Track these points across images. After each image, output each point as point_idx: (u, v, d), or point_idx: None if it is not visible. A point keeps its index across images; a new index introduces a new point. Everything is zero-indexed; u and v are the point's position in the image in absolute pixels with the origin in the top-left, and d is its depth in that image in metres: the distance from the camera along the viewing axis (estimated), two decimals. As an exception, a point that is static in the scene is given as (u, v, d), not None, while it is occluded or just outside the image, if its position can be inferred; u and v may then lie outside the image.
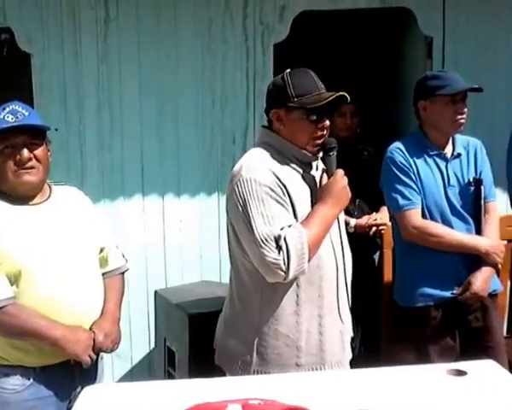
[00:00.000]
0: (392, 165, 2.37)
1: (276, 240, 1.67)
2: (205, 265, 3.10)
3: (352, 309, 2.46)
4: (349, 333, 1.95)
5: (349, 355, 1.98)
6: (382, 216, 2.98)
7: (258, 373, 1.82)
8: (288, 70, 1.84)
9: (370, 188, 2.60)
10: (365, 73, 4.25)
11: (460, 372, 1.43)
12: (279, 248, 1.67)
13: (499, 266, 2.39)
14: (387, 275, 2.79)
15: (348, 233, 2.97)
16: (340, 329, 1.90)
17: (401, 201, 2.35)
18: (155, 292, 2.98)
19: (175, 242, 3.10)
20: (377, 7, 3.06)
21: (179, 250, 3.11)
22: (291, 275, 1.69)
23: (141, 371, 3.14)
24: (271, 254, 1.67)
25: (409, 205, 2.34)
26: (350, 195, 1.84)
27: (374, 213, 3.06)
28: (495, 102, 3.14)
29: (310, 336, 1.82)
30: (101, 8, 2.91)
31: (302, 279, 1.78)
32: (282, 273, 1.68)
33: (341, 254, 1.87)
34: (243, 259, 1.81)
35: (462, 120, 2.32)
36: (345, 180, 1.82)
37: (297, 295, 1.79)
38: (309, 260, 1.73)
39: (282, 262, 1.67)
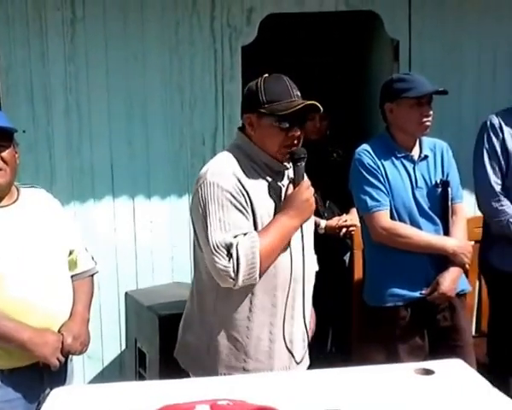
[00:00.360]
0: (360, 167, 2.39)
1: (228, 247, 1.68)
2: (176, 266, 3.10)
3: (323, 310, 2.50)
4: (302, 342, 1.94)
5: (305, 363, 1.99)
6: (352, 217, 3.01)
7: (210, 371, 1.83)
8: (266, 75, 1.83)
9: (340, 189, 2.63)
10: (334, 75, 4.30)
11: (428, 371, 1.45)
12: (230, 255, 1.68)
13: (467, 266, 2.43)
14: (358, 276, 2.82)
15: (318, 235, 3.04)
16: (294, 338, 1.89)
17: (370, 202, 2.37)
18: (126, 293, 2.97)
19: (146, 243, 3.10)
20: (344, 10, 3.09)
21: (150, 252, 3.10)
22: (240, 283, 1.70)
23: (112, 373, 3.13)
24: (222, 261, 1.68)
25: (377, 206, 2.36)
26: (314, 207, 1.82)
27: (344, 215, 3.09)
28: (462, 105, 3.20)
29: (259, 342, 1.83)
30: (67, 9, 2.88)
31: (257, 287, 1.78)
32: (231, 280, 1.69)
33: (301, 264, 1.85)
34: (203, 259, 1.80)
35: (428, 123, 2.35)
36: (309, 192, 1.80)
37: (251, 302, 1.80)
38: (262, 270, 1.73)
39: (231, 270, 1.68)
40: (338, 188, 2.77)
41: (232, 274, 1.68)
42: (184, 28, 2.98)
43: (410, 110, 2.33)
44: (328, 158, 3.22)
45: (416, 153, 2.42)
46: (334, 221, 3.07)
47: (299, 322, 1.90)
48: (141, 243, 3.09)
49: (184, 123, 3.06)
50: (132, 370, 2.88)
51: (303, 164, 1.81)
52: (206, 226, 1.71)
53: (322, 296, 2.60)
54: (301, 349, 1.94)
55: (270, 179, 1.83)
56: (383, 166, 2.38)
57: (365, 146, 2.43)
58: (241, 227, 1.72)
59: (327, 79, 4.27)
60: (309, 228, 1.92)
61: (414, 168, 2.40)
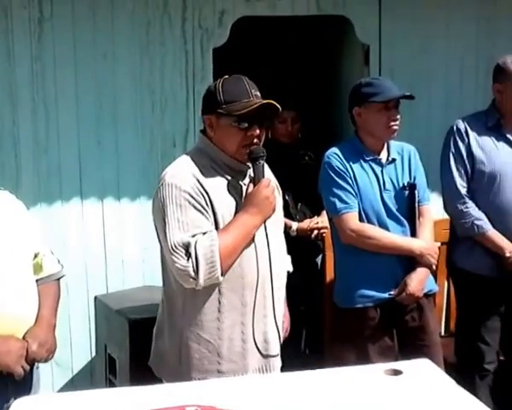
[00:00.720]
0: (329, 169, 2.41)
1: (187, 247, 1.68)
2: (147, 269, 3.06)
3: (297, 311, 2.51)
4: (276, 342, 1.94)
5: (278, 363, 1.98)
6: (324, 220, 3.03)
7: (183, 377, 1.81)
8: (225, 76, 1.85)
9: (312, 192, 2.65)
10: (306, 79, 4.33)
11: (396, 372, 1.46)
12: (189, 255, 1.68)
13: (433, 266, 2.48)
14: (329, 277, 2.84)
15: (291, 237, 3.05)
16: (267, 337, 1.89)
17: (338, 204, 2.39)
18: (95, 298, 2.92)
19: (116, 246, 3.05)
20: (315, 14, 3.11)
21: (120, 255, 3.06)
22: (201, 282, 1.70)
23: (82, 380, 3.06)
24: (180, 260, 1.69)
25: (346, 208, 2.38)
26: (274, 204, 1.83)
27: (315, 217, 3.11)
28: (430, 110, 3.25)
29: (232, 343, 1.82)
30: (34, 7, 2.83)
31: (224, 286, 1.79)
32: (192, 280, 1.70)
33: (268, 263, 1.85)
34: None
35: (396, 127, 2.39)
36: (269, 190, 1.81)
37: (219, 302, 1.80)
38: (224, 268, 1.73)
39: (190, 269, 1.68)
40: (310, 190, 2.78)
41: (192, 273, 1.69)
42: (155, 28, 2.96)
43: (377, 114, 2.36)
44: (300, 161, 3.24)
45: (384, 156, 2.46)
46: (306, 223, 3.08)
47: (272, 321, 1.89)
48: (111, 246, 3.05)
49: (155, 124, 3.03)
50: (102, 377, 2.84)
51: (262, 162, 1.82)
52: (165, 227, 1.72)
53: (296, 298, 2.61)
54: (276, 349, 1.94)
55: (231, 179, 1.84)
56: (352, 168, 2.41)
57: (334, 149, 2.46)
58: (200, 227, 1.72)
59: (299, 82, 4.31)
60: (276, 227, 1.92)
61: (382, 171, 2.43)
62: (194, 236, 1.70)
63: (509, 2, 3.24)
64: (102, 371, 2.83)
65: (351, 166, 2.40)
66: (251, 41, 4.26)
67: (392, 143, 2.49)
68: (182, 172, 1.78)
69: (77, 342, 3.04)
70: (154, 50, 2.97)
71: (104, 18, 2.91)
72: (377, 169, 2.43)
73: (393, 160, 2.46)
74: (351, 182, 2.39)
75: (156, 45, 2.97)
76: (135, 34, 2.95)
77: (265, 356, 1.89)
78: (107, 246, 3.04)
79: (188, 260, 1.68)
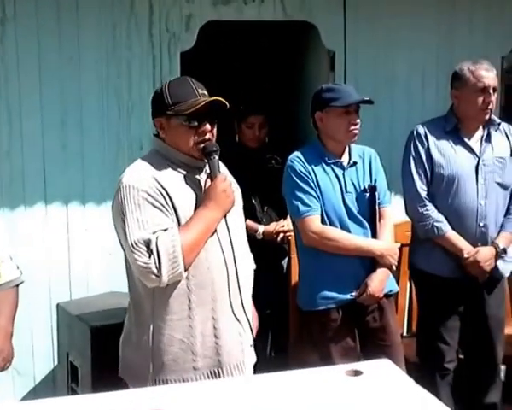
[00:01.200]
0: (292, 173, 2.45)
1: (148, 244, 1.69)
2: (113, 275, 3.03)
3: (263, 314, 2.52)
4: (248, 335, 1.97)
5: (252, 358, 2.01)
6: (289, 223, 3.05)
7: (156, 381, 1.81)
8: (170, 79, 1.92)
9: (278, 195, 2.67)
10: (274, 83, 4.37)
11: (356, 372, 1.49)
12: (150, 252, 1.69)
13: (393, 267, 2.52)
14: (294, 280, 2.87)
15: (257, 240, 3.08)
16: (239, 331, 1.92)
17: (301, 207, 2.42)
18: (57, 305, 2.87)
19: (80, 252, 3.02)
20: (282, 20, 3.15)
21: (85, 261, 3.02)
22: (165, 279, 1.70)
23: (45, 389, 3.00)
24: (142, 258, 1.69)
25: (308, 211, 2.42)
26: (232, 197, 1.86)
27: (281, 220, 3.13)
28: (393, 114, 3.31)
29: (205, 339, 1.84)
30: (-5, 5, 2.79)
31: (193, 283, 1.80)
32: (155, 277, 1.70)
33: (233, 260, 1.87)
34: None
35: (356, 131, 2.44)
36: (226, 183, 1.84)
37: (189, 299, 1.81)
38: (187, 264, 1.75)
39: (153, 266, 1.69)
40: (276, 194, 2.80)
41: (155, 270, 1.69)
42: (122, 32, 2.95)
43: (338, 119, 2.41)
44: (267, 165, 3.26)
45: (345, 159, 2.50)
46: (272, 226, 3.11)
47: (242, 314, 1.91)
48: (75, 252, 3.01)
49: (122, 128, 3.02)
50: (64, 385, 2.79)
51: (216, 157, 1.85)
52: (125, 228, 1.73)
53: (261, 301, 2.63)
54: (249, 341, 1.96)
55: (189, 176, 1.87)
56: (314, 172, 2.44)
57: (297, 153, 2.50)
58: (159, 224, 1.74)
59: (267, 87, 4.35)
60: (237, 222, 1.95)
61: (343, 174, 2.47)
62: (154, 233, 1.71)
63: (468, 11, 3.33)
64: (64, 380, 2.78)
65: (313, 169, 2.44)
66: (219, 45, 4.30)
67: (354, 146, 2.54)
68: (139, 173, 1.81)
69: (39, 351, 2.99)
70: (120, 54, 2.96)
71: (69, 20, 2.88)
72: (339, 172, 2.47)
73: (355, 163, 2.50)
74: (313, 185, 2.43)
75: (123, 49, 2.96)
76: (101, 37, 2.93)
77: (240, 350, 1.91)
78: (71, 252, 3.00)
79: (149, 257, 1.69)
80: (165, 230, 1.73)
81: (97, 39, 2.94)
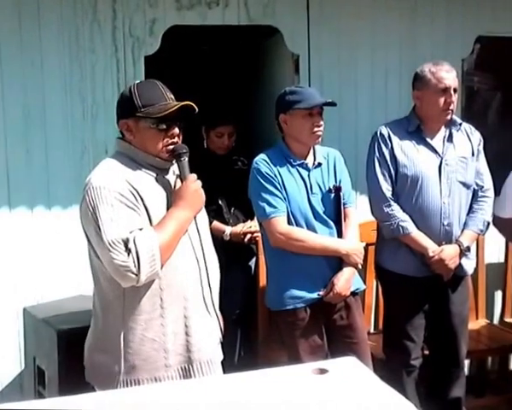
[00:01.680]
0: (257, 175, 2.48)
1: (125, 243, 1.69)
2: (83, 278, 3.01)
3: (232, 315, 2.54)
4: (217, 333, 2.00)
5: (220, 355, 2.03)
6: (257, 224, 3.08)
7: (127, 382, 1.82)
8: (137, 81, 1.92)
9: (245, 197, 2.69)
10: (240, 87, 4.40)
11: (322, 371, 1.51)
12: (128, 250, 1.69)
13: (359, 266, 2.56)
14: (262, 280, 2.90)
15: (224, 241, 3.09)
16: (210, 328, 1.94)
17: (267, 209, 2.45)
18: (24, 309, 2.85)
19: (48, 256, 2.98)
20: (246, 24, 3.16)
21: (53, 264, 2.99)
22: (143, 277, 1.70)
23: (12, 393, 2.96)
24: (120, 256, 1.69)
25: (275, 212, 2.45)
26: (203, 197, 1.89)
27: (248, 221, 3.15)
28: (358, 116, 3.35)
29: (176, 337, 1.85)
30: (-47, 9, 2.75)
31: (164, 282, 1.81)
32: (133, 276, 1.70)
33: (203, 258, 1.90)
34: (102, 267, 1.80)
35: (320, 132, 2.47)
36: (197, 184, 1.87)
37: (161, 299, 1.82)
38: (163, 263, 1.76)
39: (131, 265, 1.68)
40: (243, 195, 2.82)
41: (134, 269, 1.68)
42: (85, 36, 2.93)
43: (301, 121, 2.45)
44: (233, 167, 3.28)
45: (310, 161, 2.54)
46: (239, 228, 3.13)
47: (213, 312, 1.94)
48: (42, 255, 2.97)
49: (86, 132, 3.00)
50: (32, 389, 2.77)
51: (186, 159, 1.87)
52: (99, 228, 1.71)
53: (231, 301, 2.65)
54: (218, 339, 1.99)
55: (158, 178, 1.88)
56: (279, 173, 2.47)
57: (262, 155, 2.53)
58: (134, 224, 1.74)
59: (233, 90, 4.37)
60: (203, 224, 1.98)
61: (309, 175, 2.51)
62: (131, 232, 1.71)
63: (429, 14, 3.39)
64: (32, 384, 2.76)
65: (278, 171, 2.47)
66: (186, 49, 4.30)
67: (318, 148, 2.58)
68: (108, 174, 1.80)
69: (6, 355, 2.95)
70: (84, 58, 2.94)
71: (31, 25, 2.85)
72: (304, 173, 2.51)
73: (319, 164, 2.54)
74: (279, 186, 2.46)
75: (86, 53, 2.94)
76: (64, 41, 2.90)
77: (210, 347, 1.93)
78: (38, 255, 2.97)
79: (128, 255, 1.68)
80: (140, 229, 1.73)
81: (60, 44, 2.91)
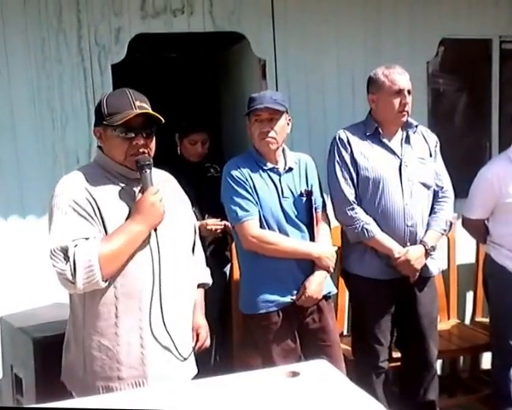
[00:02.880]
0: (229, 179, 2.49)
1: (66, 251, 1.73)
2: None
3: (207, 320, 2.53)
4: (182, 349, 1.94)
5: (187, 371, 1.98)
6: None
7: (86, 386, 1.83)
8: (111, 91, 1.94)
9: (218, 203, 2.70)
10: (210, 94, 4.41)
11: (294, 373, 1.53)
12: (67, 258, 1.73)
13: (331, 269, 2.57)
14: (237, 286, 2.91)
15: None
16: (168, 344, 1.89)
17: (240, 212, 2.46)
18: (1, 318, 2.84)
19: (23, 264, 2.96)
20: (211, 31, 3.18)
21: (29, 273, 2.96)
22: (80, 286, 1.73)
23: (-10, 402, 2.95)
24: (59, 264, 1.74)
25: (247, 216, 2.46)
26: (160, 211, 1.86)
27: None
28: (326, 121, 3.36)
29: (130, 348, 1.85)
30: None
31: (120, 292, 1.82)
32: (70, 284, 1.74)
33: (158, 269, 1.86)
34: None
35: (268, 139, 2.46)
36: (156, 197, 1.85)
37: (116, 307, 1.83)
38: (106, 274, 1.75)
39: (68, 273, 1.72)
40: (216, 202, 2.83)
41: (70, 277, 1.72)
42: (51, 46, 2.92)
43: (252, 127, 2.51)
44: (205, 174, 3.29)
45: (281, 165, 2.55)
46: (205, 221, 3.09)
47: (175, 326, 1.90)
48: (18, 264, 2.95)
49: (56, 141, 2.99)
50: (10, 397, 2.77)
51: (149, 171, 1.87)
52: (50, 233, 1.78)
53: (206, 307, 2.64)
54: (181, 354, 1.93)
55: (126, 188, 1.89)
56: (251, 177, 2.49)
57: (234, 160, 2.55)
58: (82, 233, 1.76)
59: (203, 98, 4.38)
60: (175, 236, 1.94)
61: (280, 180, 2.52)
62: (74, 241, 1.74)
63: (393, 18, 3.45)
64: (10, 392, 2.76)
65: (250, 175, 2.49)
66: (154, 56, 4.30)
67: (289, 153, 2.60)
68: (70, 183, 1.85)
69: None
70: (50, 68, 2.93)
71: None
72: (275, 178, 2.52)
73: (290, 169, 2.55)
74: (250, 190, 2.47)
75: (53, 63, 2.93)
76: (30, 51, 2.89)
77: (168, 363, 1.90)
78: (13, 265, 2.95)
79: (66, 263, 1.72)
80: (86, 239, 1.76)
81: (26, 54, 2.89)
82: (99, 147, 1.95)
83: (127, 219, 1.83)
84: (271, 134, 2.46)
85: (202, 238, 3.10)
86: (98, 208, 1.80)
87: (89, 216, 1.78)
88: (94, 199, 1.80)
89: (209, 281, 2.19)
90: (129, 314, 1.83)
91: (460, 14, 3.54)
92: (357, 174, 2.67)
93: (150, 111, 1.85)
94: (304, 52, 3.32)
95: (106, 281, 1.77)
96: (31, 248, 2.97)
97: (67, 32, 2.94)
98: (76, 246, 1.73)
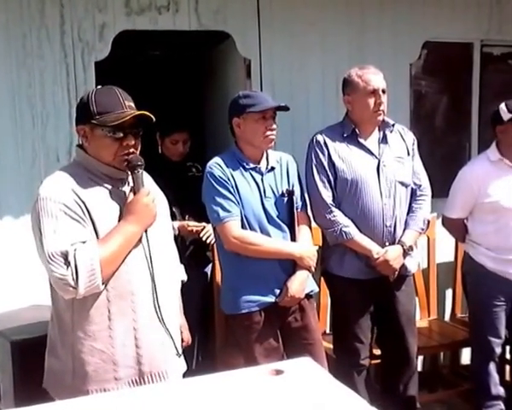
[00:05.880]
0: (211, 179, 2.47)
1: (65, 256, 1.68)
2: (35, 288, 2.94)
3: (189, 321, 2.52)
4: (174, 345, 1.96)
5: (179, 367, 2.00)
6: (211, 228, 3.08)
7: (77, 392, 1.79)
8: (98, 87, 1.88)
9: (199, 203, 2.69)
10: (194, 92, 4.40)
11: (278, 372, 1.53)
12: (68, 263, 1.68)
13: (313, 268, 2.57)
14: (218, 286, 2.90)
15: (183, 248, 3.08)
16: (162, 341, 1.91)
17: (221, 213, 2.45)
18: (-23, 321, 2.78)
19: (0, 265, 2.91)
20: (196, 29, 3.16)
21: (5, 274, 2.92)
22: (82, 291, 1.70)
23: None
24: (59, 269, 1.68)
25: (229, 216, 2.44)
26: (154, 212, 1.86)
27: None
28: (310, 120, 3.38)
29: (126, 349, 1.83)
30: None
31: (112, 294, 1.80)
32: (72, 289, 1.69)
33: (151, 271, 1.87)
34: None
35: (272, 136, 2.48)
36: (149, 198, 1.84)
37: (108, 310, 1.80)
38: (105, 277, 1.74)
39: (70, 278, 1.68)
40: (197, 202, 2.83)
41: (72, 282, 1.68)
42: (32, 41, 2.88)
43: (255, 124, 2.46)
44: (187, 173, 3.27)
45: (263, 165, 2.55)
46: (186, 223, 3.08)
47: (169, 323, 1.91)
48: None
49: (36, 139, 2.95)
50: (-12, 402, 2.71)
51: (141, 171, 1.85)
52: (42, 239, 1.70)
53: (187, 308, 2.63)
54: (172, 351, 1.94)
55: (113, 190, 1.85)
56: (233, 177, 2.47)
57: (216, 159, 2.52)
58: (77, 236, 1.72)
59: (187, 96, 4.37)
60: (162, 236, 1.95)
61: (262, 179, 2.52)
62: (72, 245, 1.70)
63: (377, 18, 3.47)
64: (-13, 397, 2.70)
65: (232, 175, 2.47)
66: (138, 54, 4.27)
67: (271, 152, 2.60)
68: (56, 185, 1.78)
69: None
70: (32, 64, 2.89)
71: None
72: (257, 177, 2.52)
73: (272, 168, 2.55)
74: (232, 190, 2.46)
75: (34, 59, 2.89)
76: (10, 47, 2.85)
77: (163, 359, 1.90)
78: (-10, 266, 2.91)
79: (67, 268, 1.67)
80: (83, 242, 1.72)
81: (6, 49, 2.85)
82: (78, 146, 1.90)
83: (119, 220, 1.81)
84: (275, 132, 2.48)
85: (182, 238, 3.14)
86: (87, 210, 1.76)
87: (80, 219, 1.74)
88: (82, 201, 1.75)
89: (185, 277, 2.18)
90: (122, 316, 1.81)
91: (443, 18, 3.59)
92: (336, 176, 2.68)
93: (146, 113, 1.82)
94: (289, 52, 3.33)
95: (103, 284, 1.74)
96: (7, 248, 2.93)
97: (50, 27, 2.90)
98: (76, 250, 1.68)
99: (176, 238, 3.10)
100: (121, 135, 1.81)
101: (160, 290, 1.87)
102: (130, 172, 1.85)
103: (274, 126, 2.48)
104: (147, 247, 1.86)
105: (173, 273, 2.02)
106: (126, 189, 1.89)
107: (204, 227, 3.05)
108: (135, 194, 1.83)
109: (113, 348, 1.81)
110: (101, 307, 1.79)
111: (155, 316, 1.88)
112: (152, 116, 1.83)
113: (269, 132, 2.47)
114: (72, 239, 1.70)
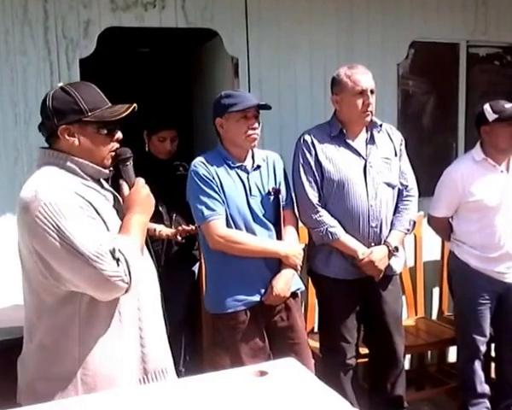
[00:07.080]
0: (195, 178, 2.45)
1: (111, 252, 1.59)
2: (17, 288, 2.89)
3: (176, 321, 2.50)
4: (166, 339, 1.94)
5: (171, 360, 1.95)
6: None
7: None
8: (63, 84, 1.76)
9: (186, 202, 2.67)
10: (181, 90, 4.37)
11: (262, 373, 1.51)
12: (116, 259, 1.59)
13: (299, 267, 2.56)
14: (205, 284, 2.88)
15: (170, 248, 3.04)
16: (161, 336, 1.87)
17: (206, 212, 2.43)
18: (-44, 322, 2.73)
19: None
20: (183, 27, 3.13)
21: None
22: (132, 286, 1.62)
23: None
24: (110, 267, 1.57)
25: (213, 215, 2.42)
26: (154, 201, 1.83)
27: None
28: (298, 119, 3.37)
29: (131, 349, 1.77)
30: None
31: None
32: (125, 285, 1.60)
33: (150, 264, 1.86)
34: (55, 289, 1.65)
35: (255, 135, 2.46)
36: (146, 188, 1.81)
37: (119, 313, 1.72)
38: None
39: (123, 273, 1.59)
40: (184, 201, 2.81)
41: (125, 277, 1.59)
42: (15, 37, 2.83)
43: (237, 124, 2.44)
44: (174, 172, 3.25)
45: (249, 163, 2.53)
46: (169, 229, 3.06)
47: (162, 323, 1.88)
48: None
49: (19, 137, 2.90)
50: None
51: (131, 163, 1.82)
52: (70, 244, 1.56)
53: (174, 307, 2.61)
54: (167, 347, 1.91)
55: (99, 188, 1.78)
56: (218, 176, 2.45)
57: (200, 158, 2.50)
58: (103, 234, 1.64)
59: (174, 95, 4.34)
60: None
61: (248, 178, 2.50)
62: (110, 241, 1.62)
63: (365, 19, 3.47)
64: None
65: (217, 173, 2.45)
66: (125, 51, 4.24)
67: (257, 150, 2.58)
68: (56, 187, 1.62)
69: None
70: (14, 60, 2.84)
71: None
72: (243, 176, 2.50)
73: (258, 166, 2.54)
74: (217, 189, 2.44)
75: (17, 55, 2.85)
76: (-8, 42, 2.81)
77: (163, 355, 1.87)
78: (-27, 266, 2.86)
79: (117, 264, 1.58)
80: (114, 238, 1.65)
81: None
82: (45, 148, 1.75)
83: (119, 216, 1.76)
84: (258, 131, 2.46)
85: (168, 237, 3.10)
86: (96, 210, 1.67)
87: (98, 218, 1.66)
88: (89, 202, 1.66)
89: None
90: (130, 316, 1.74)
91: (430, 18, 3.60)
92: (322, 177, 2.67)
93: (135, 105, 1.76)
94: (277, 51, 3.31)
95: None
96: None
97: (33, 23, 2.85)
98: (118, 245, 1.60)
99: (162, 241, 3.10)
100: (116, 130, 1.75)
101: (154, 282, 1.85)
102: (120, 166, 1.80)
103: (256, 125, 2.46)
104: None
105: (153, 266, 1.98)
106: (107, 188, 1.83)
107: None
108: (130, 187, 1.79)
109: (121, 350, 1.73)
110: (114, 310, 1.70)
111: (155, 310, 1.83)
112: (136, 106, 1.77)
113: (251, 132, 2.44)
114: (103, 237, 1.61)
